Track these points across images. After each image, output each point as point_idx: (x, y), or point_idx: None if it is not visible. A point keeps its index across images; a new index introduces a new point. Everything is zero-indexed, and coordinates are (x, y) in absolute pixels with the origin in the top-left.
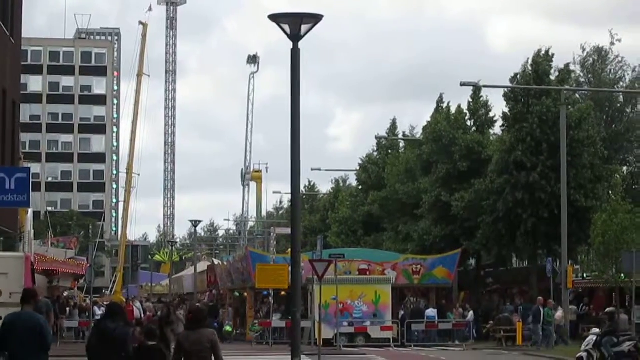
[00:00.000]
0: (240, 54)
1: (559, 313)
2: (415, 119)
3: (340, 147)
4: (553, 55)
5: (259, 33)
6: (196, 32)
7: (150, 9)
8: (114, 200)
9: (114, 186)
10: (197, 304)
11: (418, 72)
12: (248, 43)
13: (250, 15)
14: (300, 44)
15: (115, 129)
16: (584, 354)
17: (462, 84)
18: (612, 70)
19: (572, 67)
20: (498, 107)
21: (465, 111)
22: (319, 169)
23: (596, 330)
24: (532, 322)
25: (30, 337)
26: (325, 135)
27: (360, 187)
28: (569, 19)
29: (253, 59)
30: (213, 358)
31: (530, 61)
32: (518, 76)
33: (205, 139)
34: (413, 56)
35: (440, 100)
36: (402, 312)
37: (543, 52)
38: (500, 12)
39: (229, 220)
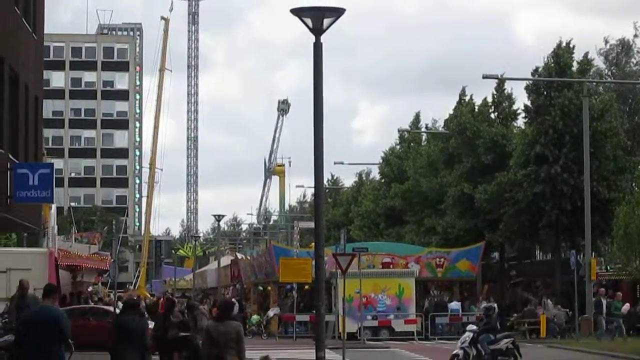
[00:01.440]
0: (265, 47)
1: (626, 306)
2: (440, 111)
3: (364, 140)
4: (574, 47)
5: (284, 26)
6: (221, 26)
7: (171, 9)
8: (137, 196)
9: (137, 181)
10: (225, 298)
11: (443, 64)
12: (272, 36)
13: (275, 8)
14: (325, 37)
15: (137, 124)
16: (460, 352)
17: (485, 77)
18: (636, 63)
19: (595, 60)
20: (521, 99)
21: (489, 104)
22: (342, 163)
23: (473, 327)
24: (594, 314)
25: (50, 330)
26: (349, 129)
27: (383, 181)
28: (596, 11)
29: (284, 104)
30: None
31: (551, 53)
32: (540, 69)
33: (230, 134)
34: (438, 49)
35: (462, 93)
36: (426, 304)
37: (564, 45)
38: (526, 4)
39: (252, 214)
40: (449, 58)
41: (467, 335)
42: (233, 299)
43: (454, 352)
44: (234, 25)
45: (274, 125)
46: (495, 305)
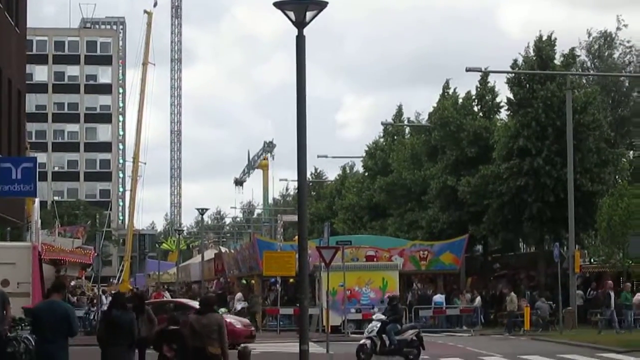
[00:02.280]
0: (249, 40)
1: (638, 296)
2: (427, 104)
3: (349, 133)
4: (555, 39)
5: (269, 19)
6: (206, 20)
7: (155, 3)
8: (121, 189)
9: (121, 175)
10: (208, 293)
11: (429, 57)
12: (258, 29)
13: (260, 1)
14: (311, 30)
15: (121, 118)
16: (368, 341)
17: (468, 70)
18: (619, 55)
19: (577, 52)
20: (505, 92)
21: (472, 97)
22: (326, 156)
23: (381, 316)
24: (604, 308)
25: (59, 324)
26: (334, 122)
27: (366, 174)
28: (585, 3)
29: (240, 183)
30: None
31: (532, 46)
32: (520, 61)
33: (214, 127)
34: (424, 41)
35: (446, 86)
36: (409, 297)
37: (546, 37)
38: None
39: (235, 207)
40: (436, 51)
41: (375, 325)
42: (219, 291)
43: (361, 341)
44: (219, 19)
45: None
46: (479, 297)
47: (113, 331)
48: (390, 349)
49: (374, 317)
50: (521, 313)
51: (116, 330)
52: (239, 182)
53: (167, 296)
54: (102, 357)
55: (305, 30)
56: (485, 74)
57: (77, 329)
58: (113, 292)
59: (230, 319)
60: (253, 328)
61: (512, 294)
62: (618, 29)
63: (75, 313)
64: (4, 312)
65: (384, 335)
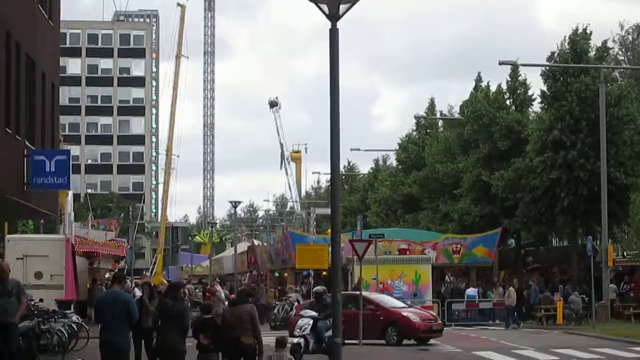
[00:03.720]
0: (286, 32)
1: None
2: (461, 97)
3: (384, 125)
4: (591, 33)
5: (306, 12)
6: (243, 11)
7: None
8: (154, 182)
9: (154, 168)
10: (241, 286)
11: (465, 50)
12: (294, 21)
13: None
14: (348, 23)
15: (154, 111)
16: (302, 340)
17: (501, 63)
18: None
19: (610, 45)
20: (537, 85)
21: (504, 90)
22: (358, 149)
23: (310, 312)
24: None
25: (120, 312)
26: (370, 115)
27: (399, 167)
28: None
29: (274, 104)
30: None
31: (567, 39)
32: (555, 54)
33: (249, 119)
34: (460, 34)
35: (478, 79)
36: (442, 290)
37: (581, 30)
38: None
39: (268, 200)
40: (472, 44)
41: (307, 323)
42: (252, 284)
43: (295, 341)
44: (256, 10)
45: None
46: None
47: (165, 319)
48: (322, 347)
49: (303, 313)
50: (554, 307)
51: (168, 318)
52: (273, 104)
53: (219, 288)
54: (155, 344)
55: (343, 22)
56: (516, 67)
57: (136, 316)
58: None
59: (407, 312)
60: (435, 322)
61: (511, 288)
62: None
63: (134, 302)
64: (19, 303)
65: (318, 332)
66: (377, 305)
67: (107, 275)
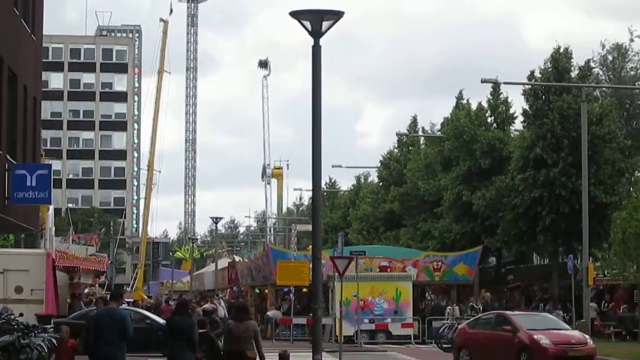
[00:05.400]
0: (268, 49)
1: None
2: (446, 114)
3: (368, 142)
4: (571, 52)
5: (290, 28)
6: (227, 27)
7: (170, 11)
8: (135, 197)
9: (135, 183)
10: (241, 300)
11: (451, 67)
12: (278, 37)
13: (283, 9)
14: (332, 39)
15: (136, 126)
16: None
17: (483, 81)
18: (632, 67)
19: (592, 64)
20: (519, 103)
21: (485, 108)
22: (340, 166)
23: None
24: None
25: (116, 328)
26: (354, 131)
27: (381, 184)
28: (608, 13)
29: (264, 64)
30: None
31: (549, 58)
32: (536, 73)
33: (232, 135)
34: (446, 51)
35: (460, 97)
36: (423, 308)
37: (563, 49)
38: (536, 6)
39: (249, 217)
40: (457, 61)
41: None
42: (231, 300)
43: None
44: (241, 26)
45: (266, 128)
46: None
47: (174, 335)
48: None
49: None
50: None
51: (178, 335)
52: (263, 64)
53: (223, 305)
54: (168, 358)
55: (329, 39)
56: (497, 85)
57: (131, 332)
58: (128, 299)
59: (538, 335)
60: (579, 345)
61: (455, 306)
62: (631, 40)
63: (130, 318)
64: None
65: None
66: (515, 327)
67: (86, 290)
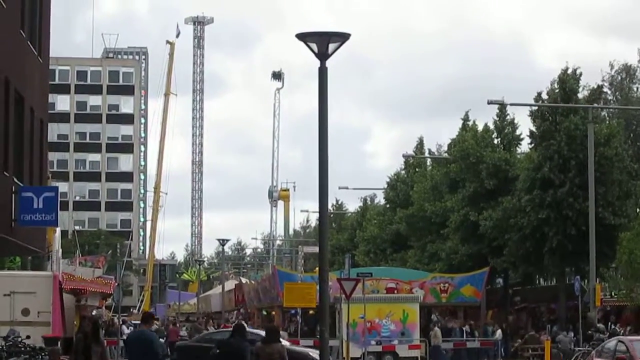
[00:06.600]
0: (276, 70)
1: None
2: (453, 135)
3: (377, 163)
4: (580, 73)
5: (299, 49)
6: (236, 48)
7: (178, 34)
8: (142, 219)
9: (142, 205)
10: (271, 324)
11: (460, 88)
12: (286, 59)
13: (291, 31)
14: (342, 61)
15: (142, 148)
16: None
17: (489, 102)
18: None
19: (602, 85)
20: (526, 124)
21: (491, 129)
22: (347, 188)
23: None
24: None
25: (146, 349)
26: (362, 152)
27: (388, 206)
28: (616, 33)
29: (277, 76)
30: None
31: (557, 79)
32: (544, 94)
33: (240, 156)
34: (455, 72)
35: (466, 118)
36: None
37: (570, 70)
38: (545, 27)
39: (256, 238)
40: (466, 82)
41: None
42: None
43: None
44: (250, 48)
45: (275, 145)
46: (499, 330)
47: (227, 357)
48: None
49: None
50: (541, 347)
51: (229, 356)
52: (277, 75)
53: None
54: None
55: (337, 60)
56: (504, 106)
57: (161, 352)
58: (134, 321)
59: None
60: None
61: (436, 328)
62: (639, 61)
63: (158, 338)
64: None
65: None
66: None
67: (94, 312)
